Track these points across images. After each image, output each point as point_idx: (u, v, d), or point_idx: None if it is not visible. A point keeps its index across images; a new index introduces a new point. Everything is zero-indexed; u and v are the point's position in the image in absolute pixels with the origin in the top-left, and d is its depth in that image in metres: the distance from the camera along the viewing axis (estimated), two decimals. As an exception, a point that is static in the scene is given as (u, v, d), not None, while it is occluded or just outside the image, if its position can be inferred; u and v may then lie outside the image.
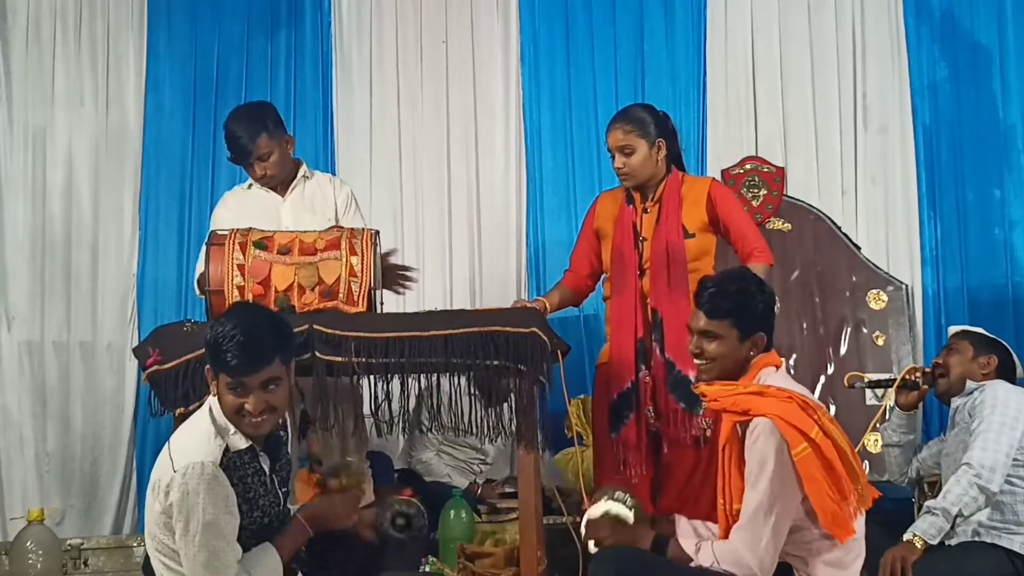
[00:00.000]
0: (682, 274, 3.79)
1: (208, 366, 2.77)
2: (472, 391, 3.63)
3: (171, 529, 2.71)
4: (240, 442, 2.75)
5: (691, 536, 2.98)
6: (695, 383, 3.10)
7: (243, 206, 4.12)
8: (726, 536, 2.87)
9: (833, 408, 4.97)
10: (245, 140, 4.01)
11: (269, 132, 4.04)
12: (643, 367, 3.79)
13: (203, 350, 3.31)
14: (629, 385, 3.79)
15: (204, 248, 3.65)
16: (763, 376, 2.92)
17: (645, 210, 3.90)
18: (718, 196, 3.91)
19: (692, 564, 2.82)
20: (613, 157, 3.89)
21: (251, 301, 3.41)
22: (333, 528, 2.96)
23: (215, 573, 2.67)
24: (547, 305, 3.88)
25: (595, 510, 3.04)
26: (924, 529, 3.23)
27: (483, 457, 4.88)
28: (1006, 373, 3.59)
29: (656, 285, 3.80)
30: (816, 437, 2.74)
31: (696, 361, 3.02)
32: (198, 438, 2.73)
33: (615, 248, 3.90)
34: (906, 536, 3.24)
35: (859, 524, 2.86)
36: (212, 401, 2.79)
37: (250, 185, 4.19)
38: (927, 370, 3.73)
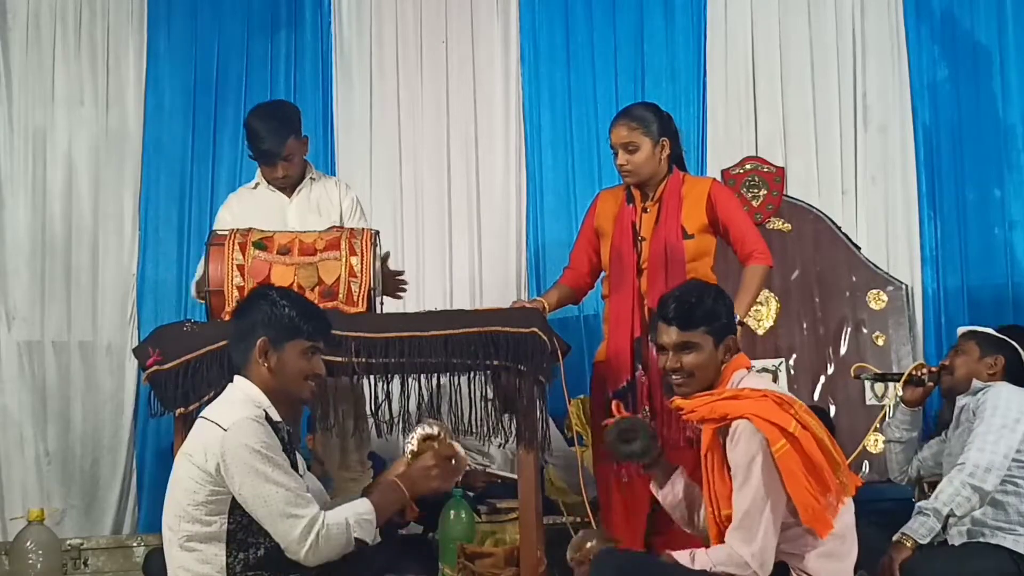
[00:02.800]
0: (680, 274, 3.77)
1: (264, 337, 2.79)
2: (472, 393, 3.62)
3: (217, 495, 2.67)
4: (275, 415, 2.79)
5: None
6: (670, 398, 3.07)
7: (247, 207, 4.12)
8: (719, 542, 2.87)
9: (833, 408, 4.98)
10: (273, 142, 4.01)
11: (297, 134, 4.06)
12: (639, 366, 3.80)
13: (203, 350, 3.35)
14: (625, 384, 3.80)
15: (205, 251, 3.65)
16: (735, 379, 2.95)
17: (645, 209, 3.89)
18: (718, 197, 3.90)
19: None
20: (616, 154, 3.89)
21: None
22: (430, 492, 2.94)
23: (296, 509, 2.64)
24: (545, 305, 3.88)
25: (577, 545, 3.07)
26: (915, 529, 3.24)
27: (487, 463, 4.86)
28: (1014, 373, 3.58)
29: (654, 285, 3.79)
30: (794, 431, 2.76)
31: (674, 378, 2.99)
32: (239, 405, 2.76)
33: (614, 247, 3.90)
34: (896, 537, 3.25)
35: (848, 514, 2.86)
36: (242, 384, 2.81)
37: (256, 185, 4.19)
38: (933, 369, 3.73)
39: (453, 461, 2.94)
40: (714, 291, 3.06)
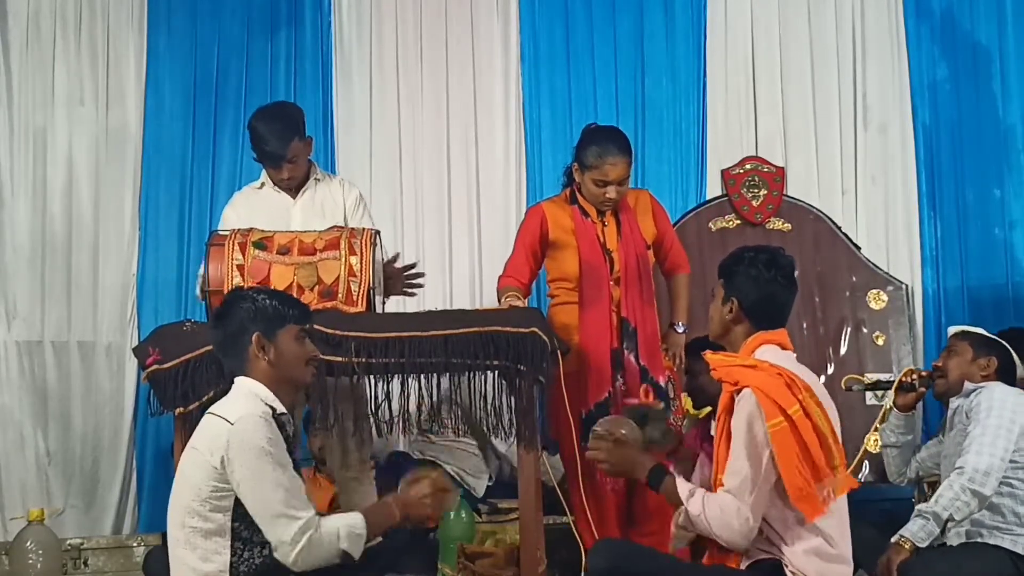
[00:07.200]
0: (649, 284, 3.95)
1: (257, 332, 2.82)
2: (472, 393, 3.61)
3: (221, 491, 2.67)
4: (279, 406, 2.82)
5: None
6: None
7: (252, 207, 4.12)
8: None
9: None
10: (277, 144, 4.01)
11: (300, 136, 4.06)
12: (619, 377, 3.86)
13: (203, 350, 3.35)
14: (607, 395, 3.85)
15: (205, 251, 3.65)
16: (761, 351, 2.97)
17: (604, 223, 3.95)
18: (658, 209, 4.09)
19: (681, 508, 2.84)
20: (604, 186, 3.89)
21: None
22: (419, 522, 2.96)
23: (293, 511, 2.65)
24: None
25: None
26: (914, 532, 3.23)
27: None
28: (1006, 374, 3.58)
29: (629, 296, 3.90)
30: (794, 414, 2.76)
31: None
32: (245, 400, 2.79)
33: (584, 260, 3.94)
34: (894, 538, 3.25)
35: (839, 517, 2.84)
36: (245, 381, 2.83)
37: (262, 185, 4.19)
38: (924, 373, 3.74)
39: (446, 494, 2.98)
40: (751, 258, 3.07)
